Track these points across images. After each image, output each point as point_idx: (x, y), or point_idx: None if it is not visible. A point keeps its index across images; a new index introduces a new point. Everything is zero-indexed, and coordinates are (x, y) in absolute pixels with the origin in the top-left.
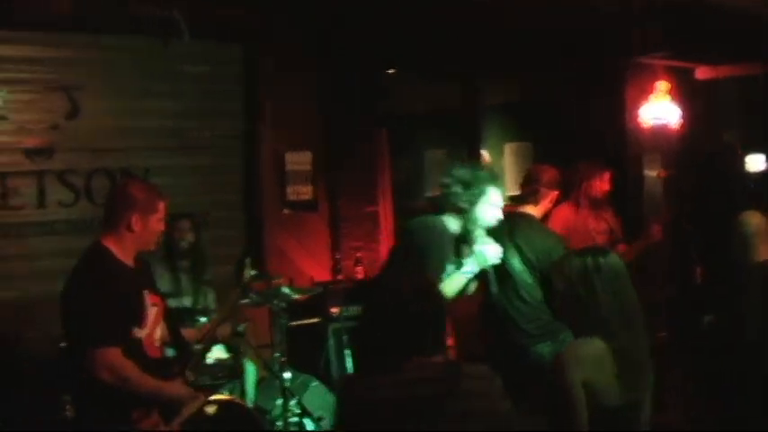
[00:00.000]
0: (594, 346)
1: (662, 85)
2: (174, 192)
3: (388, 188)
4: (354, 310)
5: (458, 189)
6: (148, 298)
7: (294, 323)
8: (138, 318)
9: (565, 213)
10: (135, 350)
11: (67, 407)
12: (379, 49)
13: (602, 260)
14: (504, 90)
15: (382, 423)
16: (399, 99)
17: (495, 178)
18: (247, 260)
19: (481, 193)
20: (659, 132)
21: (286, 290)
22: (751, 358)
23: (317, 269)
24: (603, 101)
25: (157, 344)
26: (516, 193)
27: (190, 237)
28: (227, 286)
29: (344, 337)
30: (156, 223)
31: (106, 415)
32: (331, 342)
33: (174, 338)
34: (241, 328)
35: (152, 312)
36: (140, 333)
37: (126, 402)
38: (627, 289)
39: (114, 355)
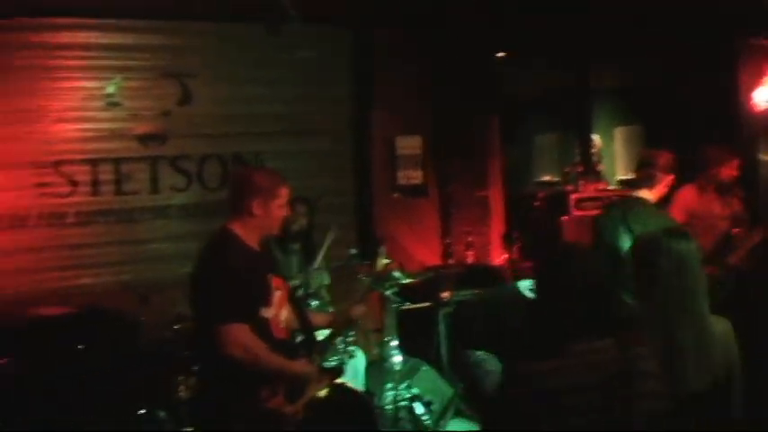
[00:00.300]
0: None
1: None
2: (285, 176)
3: (498, 173)
4: (465, 294)
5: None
6: (272, 281)
7: (405, 307)
8: (265, 298)
9: (688, 196)
10: (262, 330)
11: (181, 388)
12: (492, 34)
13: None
14: (616, 74)
15: (561, 407)
16: (511, 83)
17: None
18: (382, 248)
19: None
20: None
21: (397, 274)
22: None
23: (427, 254)
24: (716, 84)
25: (283, 325)
26: (628, 177)
27: (303, 220)
28: (339, 270)
29: (455, 322)
30: (278, 209)
31: (234, 392)
32: (441, 327)
33: (301, 322)
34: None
35: (276, 295)
36: (267, 313)
37: (253, 380)
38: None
39: (243, 331)
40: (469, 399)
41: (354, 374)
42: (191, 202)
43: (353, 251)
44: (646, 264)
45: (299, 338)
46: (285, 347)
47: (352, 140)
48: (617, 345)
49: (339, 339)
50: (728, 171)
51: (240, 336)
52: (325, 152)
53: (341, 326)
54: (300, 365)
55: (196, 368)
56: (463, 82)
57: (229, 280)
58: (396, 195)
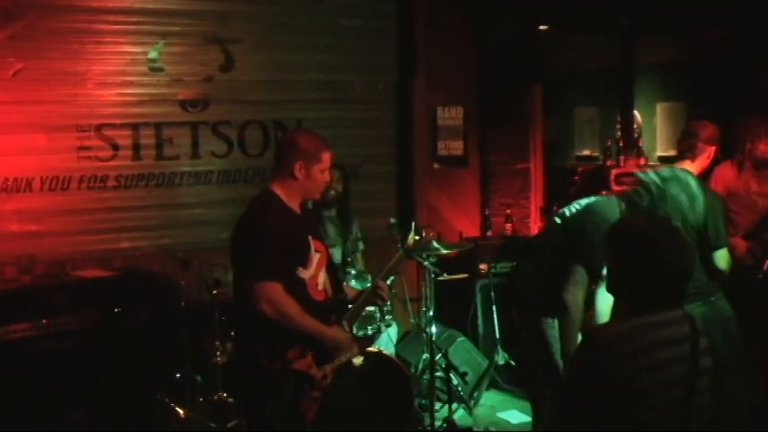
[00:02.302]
0: None
1: None
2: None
3: (539, 145)
4: (504, 266)
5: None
6: (313, 243)
7: (442, 278)
8: (303, 259)
9: (727, 173)
10: (299, 289)
11: (217, 353)
12: (537, 4)
13: None
14: (660, 48)
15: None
16: (554, 55)
17: None
18: (413, 223)
19: None
20: None
21: (435, 244)
22: None
23: (466, 225)
24: (759, 64)
25: (321, 287)
26: (668, 153)
27: (339, 187)
28: (376, 239)
29: (492, 294)
30: (320, 173)
31: (263, 349)
32: (478, 298)
33: (334, 288)
34: (389, 281)
35: (315, 257)
36: (304, 274)
37: (283, 340)
38: None
39: (275, 289)
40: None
41: (387, 343)
42: (231, 168)
43: (393, 220)
44: None
45: (331, 303)
46: (322, 309)
47: (394, 109)
48: (687, 318)
49: (374, 308)
50: (765, 146)
51: (273, 293)
52: (366, 120)
53: (369, 297)
54: (333, 331)
55: (233, 333)
56: (506, 53)
57: (265, 239)
58: (436, 166)
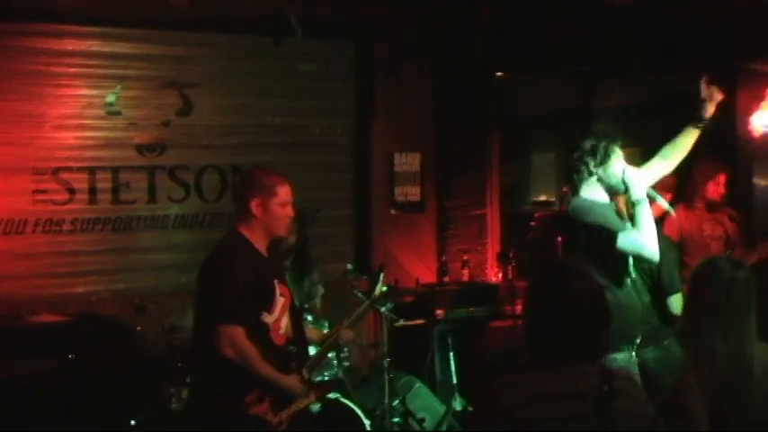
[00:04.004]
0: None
1: None
2: None
3: (496, 191)
4: (460, 312)
5: (588, 158)
6: (278, 287)
7: (399, 324)
8: (268, 303)
9: (680, 217)
10: (262, 334)
11: (174, 399)
12: (495, 50)
13: (739, 273)
14: (615, 93)
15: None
16: (511, 102)
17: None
18: (382, 274)
19: (609, 151)
20: None
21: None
22: None
23: (423, 270)
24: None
25: (282, 332)
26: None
27: (292, 237)
28: (333, 284)
29: (449, 340)
30: (279, 208)
31: (222, 392)
32: (435, 344)
33: (296, 335)
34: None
35: (280, 301)
36: (268, 318)
37: (242, 384)
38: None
39: (238, 333)
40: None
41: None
42: (188, 212)
43: (350, 266)
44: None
45: (291, 349)
46: (281, 356)
47: (352, 154)
48: (601, 373)
49: (333, 354)
50: (715, 187)
51: (236, 337)
52: (324, 165)
53: (331, 345)
54: (289, 380)
55: (189, 380)
56: (464, 98)
57: (231, 282)
58: (393, 211)
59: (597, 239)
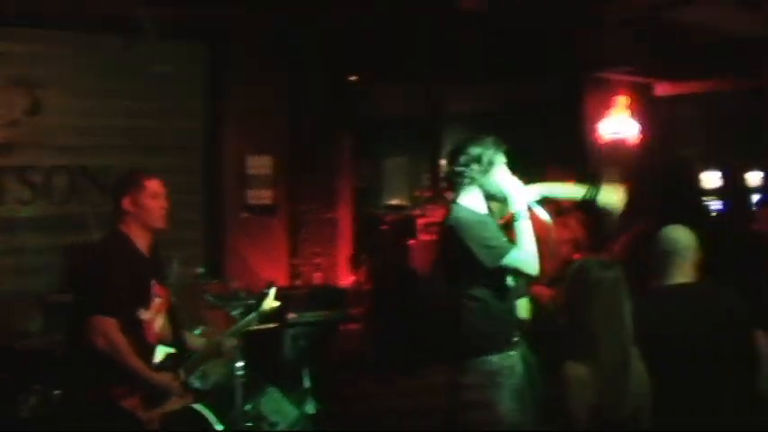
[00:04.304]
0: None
1: (621, 100)
2: None
3: (348, 194)
4: (312, 315)
5: (473, 166)
6: (155, 287)
7: (251, 328)
8: (144, 300)
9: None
10: (135, 330)
11: (23, 407)
12: (348, 54)
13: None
14: (468, 99)
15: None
16: (365, 106)
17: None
18: (272, 291)
19: (493, 158)
20: (617, 146)
21: (243, 294)
22: None
23: (275, 273)
24: (564, 114)
25: (157, 331)
26: None
27: None
28: (185, 287)
29: (301, 343)
30: (150, 200)
31: (91, 384)
32: (288, 348)
33: (174, 336)
34: (198, 331)
35: (156, 301)
36: (144, 315)
37: (112, 376)
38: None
39: (111, 324)
40: None
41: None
42: (37, 215)
43: (201, 270)
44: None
45: (163, 351)
46: (153, 353)
47: (204, 157)
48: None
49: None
50: None
51: (107, 328)
52: (175, 168)
53: (213, 352)
54: (161, 377)
55: (37, 386)
56: (316, 102)
57: (108, 276)
58: (245, 214)
59: (476, 258)
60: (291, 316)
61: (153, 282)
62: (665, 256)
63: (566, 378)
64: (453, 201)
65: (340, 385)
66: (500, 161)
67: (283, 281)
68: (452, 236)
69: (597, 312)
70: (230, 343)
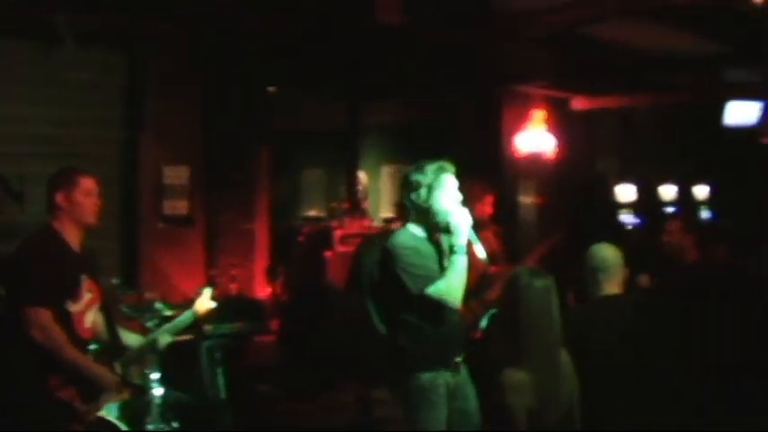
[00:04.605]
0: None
1: (538, 114)
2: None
3: (265, 205)
4: (228, 327)
5: (412, 194)
6: (85, 283)
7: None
8: (72, 292)
9: None
10: (65, 322)
11: None
12: (265, 65)
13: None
14: (385, 112)
15: None
16: (282, 117)
17: (444, 166)
18: (206, 291)
19: (435, 185)
20: (534, 160)
21: (159, 305)
22: None
23: (190, 285)
24: (481, 127)
25: (88, 326)
26: (391, 214)
27: None
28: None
29: (217, 355)
30: (83, 197)
31: (26, 375)
32: (203, 360)
33: (109, 331)
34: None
35: (87, 296)
36: (73, 307)
37: (48, 367)
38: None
39: (45, 315)
40: None
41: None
42: None
43: (116, 280)
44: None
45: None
46: (85, 347)
47: (122, 166)
48: (358, 392)
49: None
50: (482, 207)
51: (43, 319)
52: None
53: (149, 348)
54: (98, 368)
55: None
56: (234, 112)
57: (38, 267)
58: (161, 225)
59: (404, 283)
60: (207, 328)
61: (83, 277)
62: (594, 273)
63: (504, 384)
64: (403, 223)
65: (255, 397)
66: (441, 186)
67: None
68: (386, 258)
69: (529, 319)
70: (165, 340)
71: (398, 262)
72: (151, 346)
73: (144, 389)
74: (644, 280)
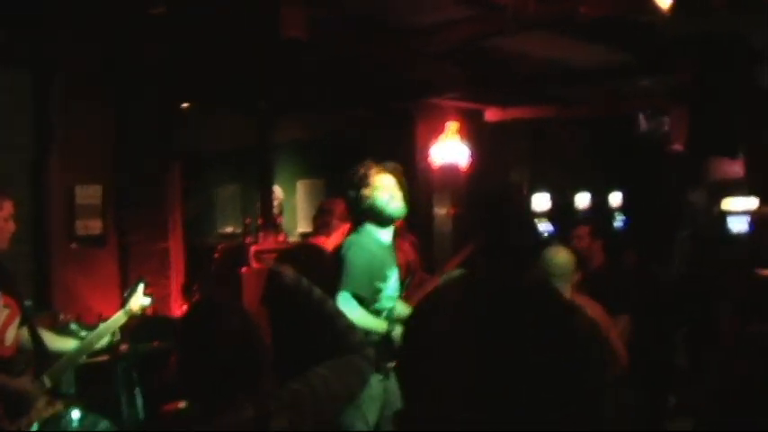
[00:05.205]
0: None
1: (452, 126)
2: None
3: (179, 223)
4: (144, 346)
5: (352, 194)
6: (2, 298)
7: (81, 360)
8: None
9: None
10: None
11: None
12: (176, 82)
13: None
14: (298, 127)
15: None
16: (194, 133)
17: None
18: (140, 286)
19: (368, 184)
20: (449, 171)
21: (74, 326)
22: None
23: (105, 305)
24: (395, 140)
25: (8, 344)
26: (308, 229)
27: None
28: None
29: (134, 375)
30: (3, 222)
31: None
32: (120, 380)
33: (34, 343)
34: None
35: (3, 313)
36: None
37: None
38: None
39: None
40: None
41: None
42: None
43: (28, 302)
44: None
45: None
46: (7, 367)
47: (30, 187)
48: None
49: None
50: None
51: None
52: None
53: (83, 352)
54: (16, 383)
55: None
56: (145, 129)
57: None
58: (74, 246)
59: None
60: (123, 347)
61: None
62: (548, 277)
63: None
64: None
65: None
66: (369, 184)
67: (114, 312)
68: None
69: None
70: (101, 342)
71: (342, 258)
72: (87, 349)
73: (78, 398)
74: None
